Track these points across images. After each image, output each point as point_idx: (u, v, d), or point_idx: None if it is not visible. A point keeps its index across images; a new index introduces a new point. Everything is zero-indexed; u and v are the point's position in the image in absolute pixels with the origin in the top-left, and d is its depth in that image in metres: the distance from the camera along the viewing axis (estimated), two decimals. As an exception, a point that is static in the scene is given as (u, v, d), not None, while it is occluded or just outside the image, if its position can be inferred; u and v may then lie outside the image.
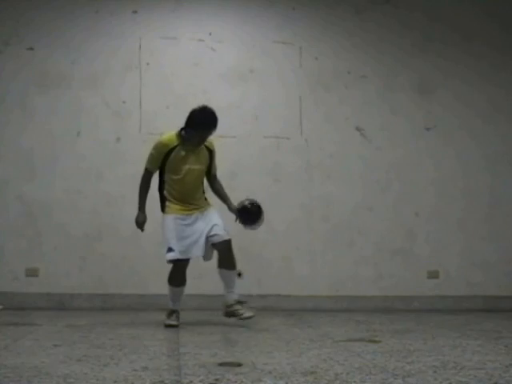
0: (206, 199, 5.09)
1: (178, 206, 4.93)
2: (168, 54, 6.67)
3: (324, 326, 5.14)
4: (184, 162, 4.86)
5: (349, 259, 6.68)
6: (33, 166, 6.36)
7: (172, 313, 5.02)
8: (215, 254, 5.01)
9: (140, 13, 6.64)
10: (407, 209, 6.84)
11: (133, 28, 6.62)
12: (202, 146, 4.96)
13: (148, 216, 6.28)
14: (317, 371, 3.03)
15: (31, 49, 6.47)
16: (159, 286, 6.27)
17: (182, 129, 4.88)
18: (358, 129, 6.85)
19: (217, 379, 2.83)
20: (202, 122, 4.82)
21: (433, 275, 6.77)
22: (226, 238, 4.90)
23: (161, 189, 5.02)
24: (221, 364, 3.21)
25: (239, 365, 3.18)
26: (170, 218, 4.93)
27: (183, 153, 4.86)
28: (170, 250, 4.86)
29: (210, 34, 6.72)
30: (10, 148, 6.36)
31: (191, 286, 5.97)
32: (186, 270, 5.00)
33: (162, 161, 4.90)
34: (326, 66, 6.88)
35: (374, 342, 4.13)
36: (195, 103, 6.48)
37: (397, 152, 6.89)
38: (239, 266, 6.18)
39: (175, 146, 4.87)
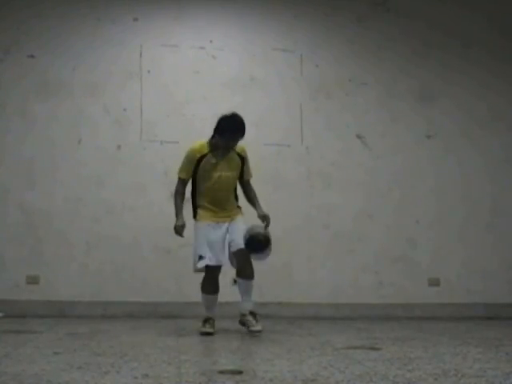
0: (238, 207, 5.15)
1: (209, 214, 4.97)
2: (169, 61, 6.68)
3: (325, 333, 5.13)
4: (215, 169, 4.92)
5: (349, 267, 6.67)
6: (33, 174, 6.35)
7: (207, 320, 5.00)
8: None
9: (141, 20, 6.66)
10: (408, 216, 6.83)
11: (134, 36, 6.63)
12: (234, 153, 5.02)
13: (148, 224, 6.37)
14: (317, 379, 3.03)
15: (32, 56, 6.48)
16: (159, 293, 6.32)
17: (212, 136, 4.95)
18: (358, 136, 6.85)
19: (217, 387, 2.82)
20: (228, 128, 4.87)
21: (433, 283, 6.76)
22: (242, 246, 4.87)
23: (194, 196, 5.05)
24: (221, 372, 3.20)
25: (240, 372, 3.18)
26: (201, 225, 4.96)
27: (214, 160, 4.93)
28: (200, 257, 4.88)
29: (211, 41, 6.73)
30: (10, 156, 6.36)
31: (192, 295, 5.99)
32: (219, 277, 5.02)
33: (194, 168, 4.95)
34: (326, 74, 6.89)
35: (375, 349, 4.12)
36: (196, 111, 6.59)
37: (397, 160, 6.89)
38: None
39: (206, 154, 4.94)
